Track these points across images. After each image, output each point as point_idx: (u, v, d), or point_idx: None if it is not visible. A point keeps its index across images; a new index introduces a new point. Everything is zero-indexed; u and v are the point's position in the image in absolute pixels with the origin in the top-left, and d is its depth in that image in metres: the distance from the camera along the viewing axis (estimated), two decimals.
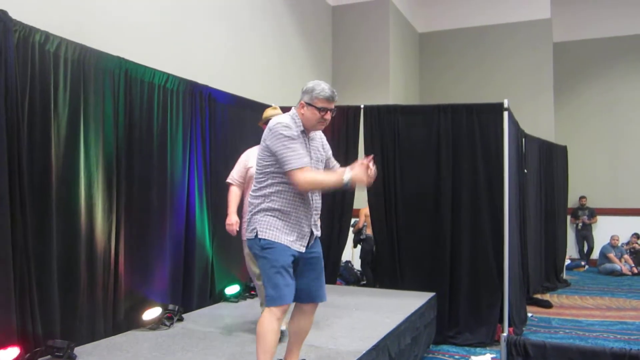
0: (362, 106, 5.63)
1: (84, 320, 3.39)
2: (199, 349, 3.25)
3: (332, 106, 2.69)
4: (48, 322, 3.06)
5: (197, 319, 4.01)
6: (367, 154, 5.58)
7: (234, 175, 3.81)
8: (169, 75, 4.20)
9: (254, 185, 2.73)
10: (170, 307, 3.89)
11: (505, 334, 2.60)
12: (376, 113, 5.58)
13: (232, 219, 3.71)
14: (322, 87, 2.66)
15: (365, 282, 7.07)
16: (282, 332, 2.94)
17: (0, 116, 2.82)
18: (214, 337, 3.50)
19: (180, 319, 3.90)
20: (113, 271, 3.62)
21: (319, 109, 2.63)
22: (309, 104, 2.64)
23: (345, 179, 2.52)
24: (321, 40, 8.55)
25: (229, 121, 4.97)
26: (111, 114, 3.65)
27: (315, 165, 2.73)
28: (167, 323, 3.75)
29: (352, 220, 6.32)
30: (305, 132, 2.70)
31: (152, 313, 3.72)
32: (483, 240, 5.15)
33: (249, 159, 3.74)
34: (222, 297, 4.66)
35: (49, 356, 2.94)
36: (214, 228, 4.60)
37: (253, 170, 3.22)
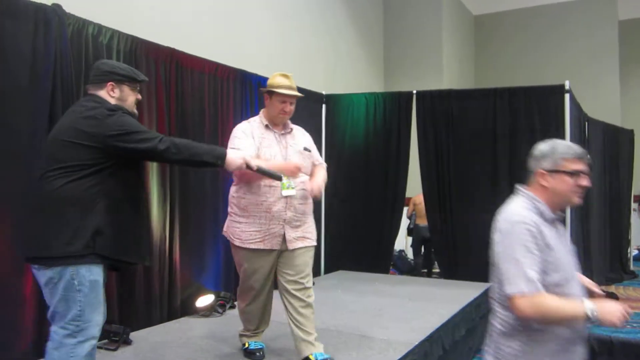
0: (414, 92, 5.49)
1: (141, 306, 3.47)
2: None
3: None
4: (107, 308, 3.14)
5: None
6: (419, 141, 5.52)
7: None
8: (218, 64, 4.21)
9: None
10: (223, 294, 3.94)
11: None
12: (429, 99, 5.44)
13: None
14: None
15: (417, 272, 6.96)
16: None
17: (57, 107, 2.90)
18: None
19: (233, 306, 3.92)
20: (168, 259, 3.69)
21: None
22: None
23: (589, 312, 1.60)
24: (372, 24, 8.40)
25: None
26: (164, 103, 3.70)
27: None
28: (220, 310, 3.79)
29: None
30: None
31: (205, 300, 3.78)
32: None
33: None
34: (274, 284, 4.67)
35: (106, 340, 3.02)
36: None
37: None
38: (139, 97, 2.31)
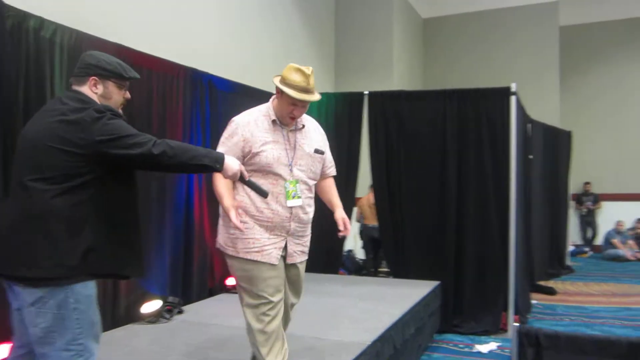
0: (366, 92, 5.53)
1: None
2: (200, 341, 3.19)
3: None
4: None
5: (198, 311, 3.95)
6: (371, 142, 5.56)
7: None
8: (168, 61, 4.10)
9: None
10: (170, 299, 3.83)
11: (517, 324, 2.53)
12: (380, 99, 5.48)
13: None
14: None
15: (366, 271, 7.04)
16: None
17: None
18: (215, 330, 3.44)
19: (181, 312, 3.84)
20: None
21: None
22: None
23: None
24: (324, 25, 8.41)
25: (230, 109, 4.86)
26: None
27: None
28: (167, 316, 3.69)
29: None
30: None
31: (151, 306, 3.66)
32: (489, 228, 5.07)
33: None
34: (223, 289, 4.60)
35: None
36: (213, 218, 4.52)
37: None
38: (128, 96, 2.09)
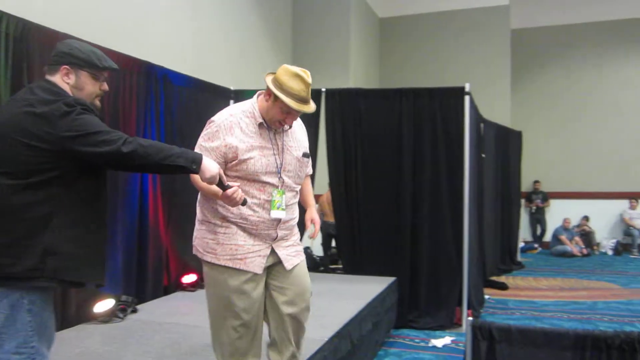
0: (323, 90, 5.53)
1: None
2: (155, 341, 3.12)
3: None
4: None
5: (153, 310, 3.86)
6: (328, 139, 5.57)
7: None
8: (121, 54, 3.98)
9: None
10: (124, 298, 3.73)
11: (471, 319, 2.58)
12: (337, 97, 5.50)
13: None
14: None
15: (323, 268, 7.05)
16: None
17: None
18: (170, 329, 3.37)
19: (135, 311, 3.74)
20: None
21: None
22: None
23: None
24: (281, 23, 8.37)
25: (186, 104, 4.79)
26: None
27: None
28: (121, 315, 3.59)
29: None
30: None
31: (104, 305, 3.55)
32: (443, 225, 5.17)
33: None
34: (179, 287, 4.52)
35: None
36: (168, 215, 4.45)
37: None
38: (105, 87, 1.96)
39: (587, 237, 10.73)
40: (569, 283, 7.74)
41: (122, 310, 3.62)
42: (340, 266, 6.59)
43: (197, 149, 2.22)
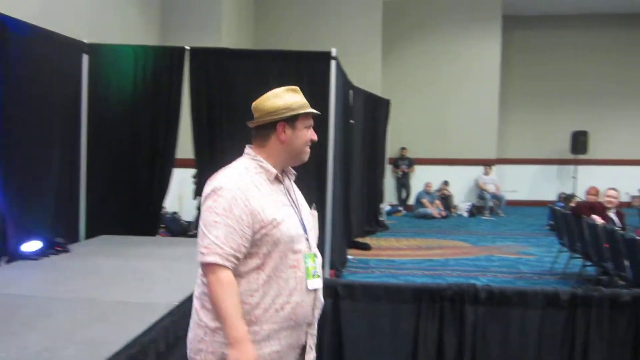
0: (187, 48, 5.28)
1: None
2: None
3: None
4: None
5: None
6: (192, 99, 5.37)
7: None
8: None
9: None
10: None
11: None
12: (203, 56, 5.29)
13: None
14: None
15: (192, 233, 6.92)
16: None
17: None
18: (9, 303, 3.08)
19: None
20: None
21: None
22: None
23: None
24: None
25: (26, 55, 4.30)
26: None
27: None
28: None
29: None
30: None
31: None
32: (306, 187, 5.23)
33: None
34: (19, 255, 4.13)
35: None
36: (4, 176, 4.01)
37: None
38: None
39: (446, 200, 11.58)
40: (427, 243, 8.33)
41: None
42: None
43: (213, 228, 1.71)
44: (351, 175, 7.31)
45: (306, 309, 1.80)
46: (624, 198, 10.63)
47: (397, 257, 7.20)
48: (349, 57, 7.53)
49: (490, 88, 11.84)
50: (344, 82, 6.55)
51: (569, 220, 6.12)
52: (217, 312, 1.70)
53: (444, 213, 11.20)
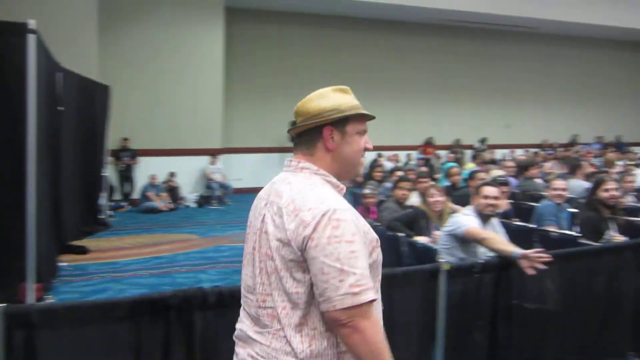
0: None
1: None
2: None
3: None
4: None
5: None
6: None
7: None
8: None
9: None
10: None
11: (3, 305, 2.07)
12: None
13: None
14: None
15: None
16: None
17: None
18: None
19: None
20: None
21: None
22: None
23: None
24: None
25: None
26: None
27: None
28: None
29: None
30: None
31: None
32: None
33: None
34: None
35: None
36: None
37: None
38: None
39: (173, 192, 11.23)
40: (154, 238, 7.89)
41: None
42: None
43: (357, 259, 1.40)
44: (62, 171, 6.40)
45: None
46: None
47: (120, 258, 6.60)
48: (57, 35, 6.55)
49: (215, 78, 11.84)
50: (49, 63, 5.65)
51: None
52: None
53: (171, 205, 10.83)
